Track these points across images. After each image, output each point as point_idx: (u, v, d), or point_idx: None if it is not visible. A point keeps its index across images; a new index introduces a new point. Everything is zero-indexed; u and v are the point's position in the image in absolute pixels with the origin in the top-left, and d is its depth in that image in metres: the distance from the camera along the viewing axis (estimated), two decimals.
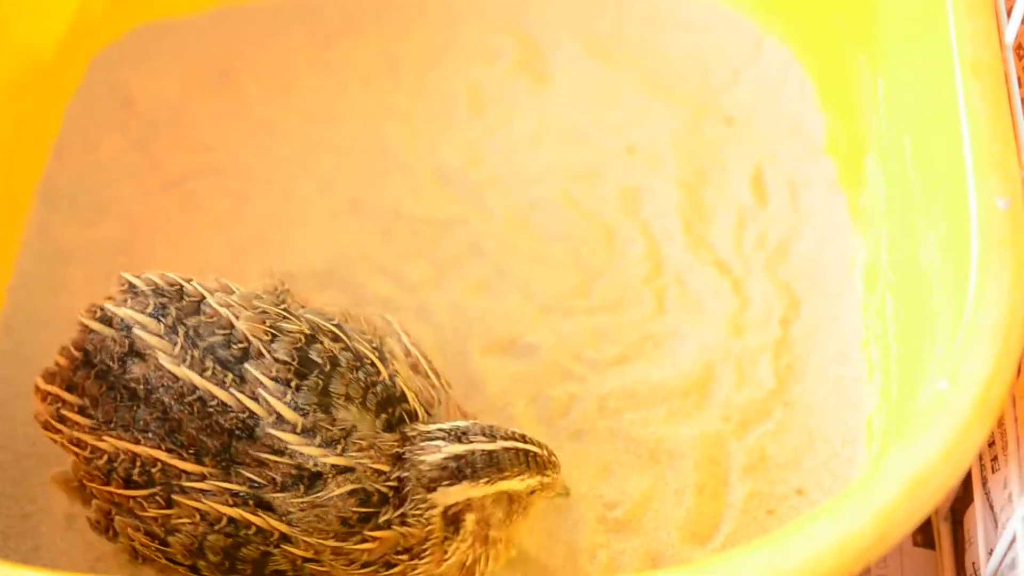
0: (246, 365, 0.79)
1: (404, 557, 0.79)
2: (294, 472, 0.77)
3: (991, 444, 0.86)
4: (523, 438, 0.81)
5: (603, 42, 1.20)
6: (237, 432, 0.78)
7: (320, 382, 0.79)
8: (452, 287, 1.04)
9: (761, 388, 0.99)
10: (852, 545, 0.64)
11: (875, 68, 1.02)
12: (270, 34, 1.20)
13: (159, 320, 0.82)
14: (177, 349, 0.80)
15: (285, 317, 0.82)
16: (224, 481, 0.78)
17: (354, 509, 0.78)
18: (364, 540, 0.78)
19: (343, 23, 1.21)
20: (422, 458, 0.79)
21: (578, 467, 0.94)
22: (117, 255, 1.06)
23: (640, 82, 1.17)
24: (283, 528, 0.77)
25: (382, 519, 0.78)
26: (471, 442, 0.79)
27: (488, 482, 0.79)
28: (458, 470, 0.78)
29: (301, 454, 0.77)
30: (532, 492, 0.82)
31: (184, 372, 0.79)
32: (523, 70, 1.18)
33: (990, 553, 0.83)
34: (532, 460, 0.80)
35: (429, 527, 0.79)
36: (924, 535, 0.94)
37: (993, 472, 0.85)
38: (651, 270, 1.05)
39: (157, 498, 0.79)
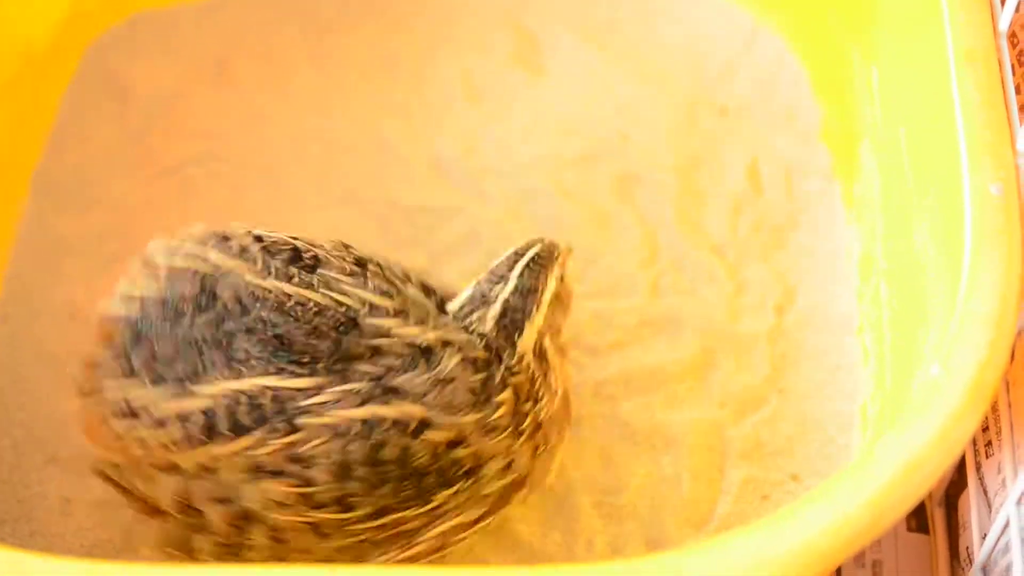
0: (319, 271, 0.80)
1: (528, 405, 0.82)
2: (407, 351, 0.78)
3: (985, 429, 0.87)
4: (519, 253, 0.86)
5: (598, 33, 1.20)
6: (342, 327, 0.78)
7: (379, 270, 0.82)
8: (448, 276, 1.04)
9: (756, 375, 0.99)
10: (845, 529, 0.65)
11: (869, 57, 1.03)
12: (266, 24, 1.20)
13: (225, 252, 0.81)
14: (259, 265, 0.80)
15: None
16: (343, 384, 0.76)
17: (474, 378, 0.80)
18: (495, 405, 0.80)
19: (339, 14, 1.21)
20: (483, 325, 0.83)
21: (575, 453, 0.94)
22: (112, 244, 1.06)
23: (635, 72, 1.17)
24: (420, 411, 0.77)
25: (496, 381, 0.81)
26: (497, 296, 0.84)
27: (538, 309, 0.84)
28: (511, 323, 0.83)
29: (401, 334, 0.79)
30: (562, 278, 0.87)
31: (273, 283, 0.79)
32: (519, 61, 1.18)
33: (984, 537, 0.83)
34: (542, 259, 0.86)
35: (530, 370, 0.83)
36: (918, 520, 0.95)
37: (987, 457, 0.86)
38: (646, 257, 1.05)
39: (277, 430, 0.75)
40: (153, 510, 0.80)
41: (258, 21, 1.20)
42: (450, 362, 0.79)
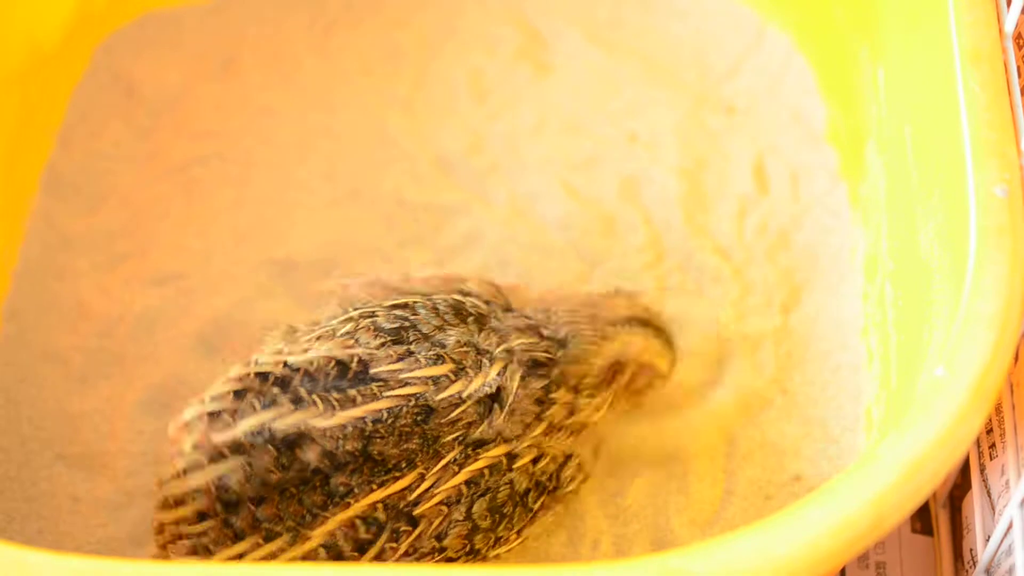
0: (371, 371, 0.80)
1: (585, 401, 0.87)
2: (480, 409, 0.81)
3: (989, 431, 0.87)
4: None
5: (604, 31, 1.20)
6: (419, 419, 0.80)
7: (420, 333, 0.83)
8: None
9: (761, 375, 0.99)
10: (848, 530, 0.65)
11: (876, 57, 1.03)
12: (272, 22, 1.21)
13: (272, 404, 0.79)
14: (320, 407, 0.79)
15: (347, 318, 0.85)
16: (437, 462, 0.80)
17: (536, 385, 0.83)
18: (552, 403, 0.84)
19: (345, 11, 1.21)
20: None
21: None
22: (120, 242, 1.06)
23: (641, 71, 1.17)
24: (502, 449, 0.82)
25: (555, 375, 0.85)
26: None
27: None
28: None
29: (471, 394, 0.81)
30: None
31: (343, 416, 0.78)
32: (525, 59, 1.18)
33: (987, 539, 0.83)
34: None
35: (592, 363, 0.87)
36: (922, 522, 0.95)
37: (991, 459, 0.86)
38: (652, 257, 1.05)
39: (397, 531, 0.79)
40: None
41: (264, 20, 1.21)
42: (513, 385, 0.82)
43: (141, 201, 1.09)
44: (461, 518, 0.81)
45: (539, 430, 0.84)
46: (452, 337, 0.83)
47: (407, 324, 0.83)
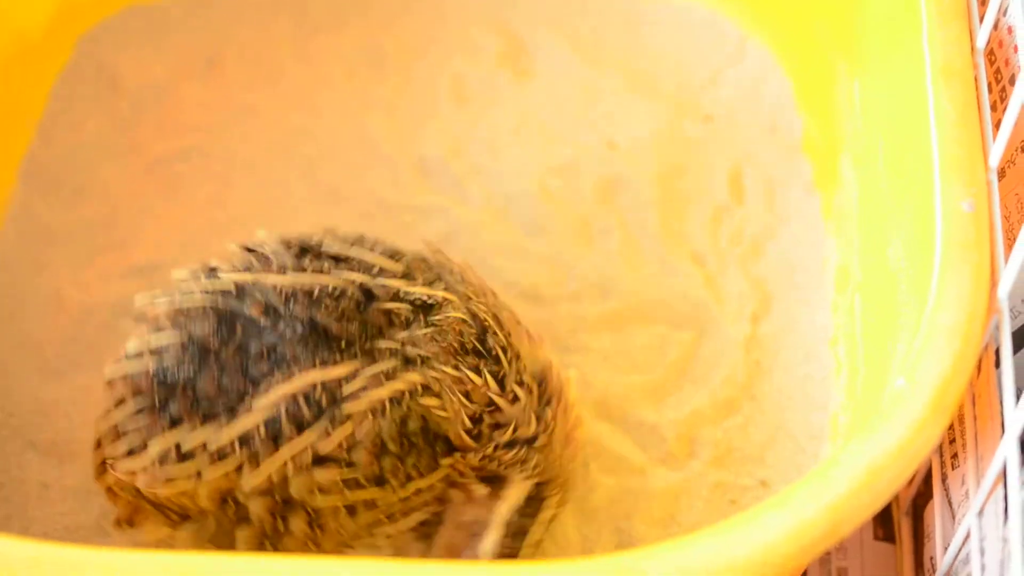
0: (323, 249, 0.83)
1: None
2: (414, 314, 0.82)
3: (952, 441, 0.87)
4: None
5: (585, 39, 1.21)
6: (362, 305, 0.81)
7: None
8: None
9: (730, 382, 1.00)
10: (804, 535, 0.66)
11: (853, 71, 1.04)
12: (256, 21, 1.21)
13: (231, 271, 0.82)
14: (274, 265, 0.82)
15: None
16: (373, 365, 0.79)
17: (469, 332, 0.83)
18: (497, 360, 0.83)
19: (328, 13, 1.22)
20: None
21: None
22: (98, 234, 1.07)
23: (621, 79, 1.18)
24: (420, 377, 0.80)
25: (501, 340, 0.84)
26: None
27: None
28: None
29: (410, 293, 0.82)
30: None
31: (294, 278, 0.81)
32: (506, 64, 1.19)
33: (947, 548, 0.84)
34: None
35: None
36: (885, 529, 0.96)
37: (953, 469, 0.87)
38: (627, 262, 1.06)
39: (335, 419, 0.78)
40: (183, 517, 0.82)
41: (248, 18, 1.21)
42: (451, 312, 0.82)
43: (121, 194, 1.10)
44: (376, 431, 0.79)
45: (450, 370, 0.82)
46: (411, 256, 0.86)
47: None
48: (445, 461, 0.83)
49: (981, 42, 0.86)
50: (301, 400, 0.78)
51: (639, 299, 1.04)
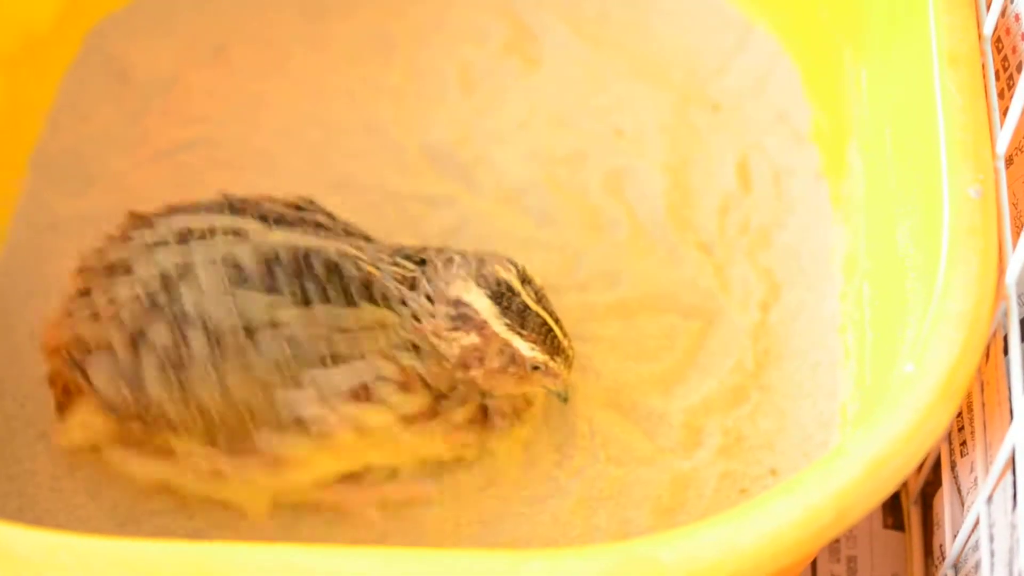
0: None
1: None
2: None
3: (960, 429, 0.88)
4: (556, 320, 0.87)
5: (593, 27, 1.21)
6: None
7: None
8: None
9: (739, 371, 1.00)
10: (811, 522, 0.66)
11: (860, 59, 1.04)
12: (264, 10, 1.21)
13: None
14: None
15: None
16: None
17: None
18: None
19: (336, 2, 1.22)
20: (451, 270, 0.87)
21: (556, 443, 0.96)
22: (108, 225, 1.07)
23: (629, 67, 1.18)
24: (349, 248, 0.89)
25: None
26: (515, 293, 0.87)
27: (508, 327, 0.85)
28: (497, 295, 0.86)
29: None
30: (535, 368, 0.87)
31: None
32: (513, 52, 1.19)
33: (956, 535, 0.84)
34: (551, 339, 0.86)
35: (434, 321, 0.86)
36: (895, 518, 0.96)
37: (962, 456, 0.87)
38: (635, 252, 1.06)
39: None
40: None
41: (256, 6, 1.21)
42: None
43: (130, 185, 1.10)
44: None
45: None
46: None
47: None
48: (365, 304, 0.85)
49: (988, 29, 0.86)
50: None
51: (648, 288, 1.04)
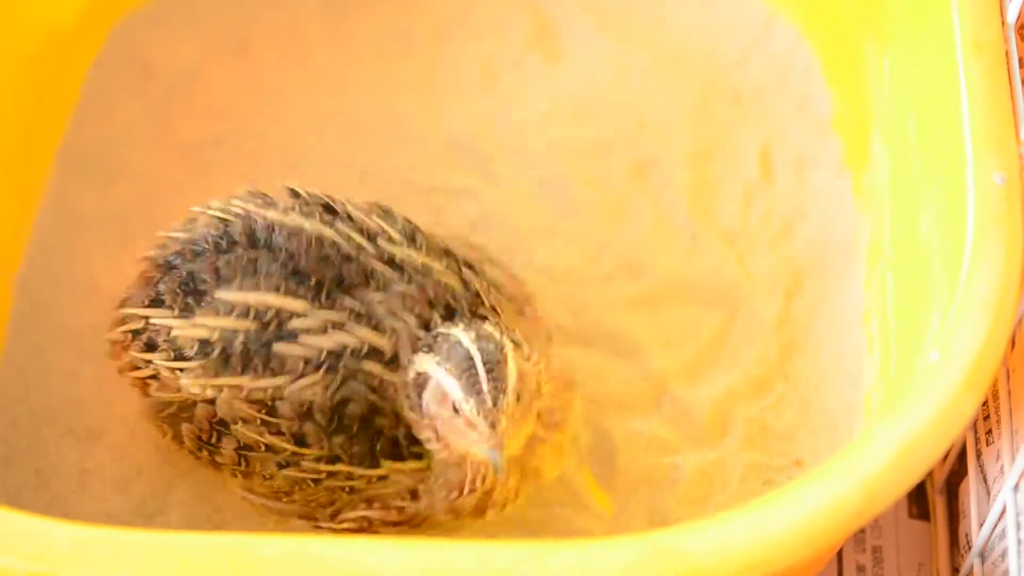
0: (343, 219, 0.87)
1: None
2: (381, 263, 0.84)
3: (986, 417, 0.88)
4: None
5: (615, 18, 1.21)
6: (351, 257, 0.84)
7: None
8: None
9: (763, 361, 1.00)
10: (839, 512, 0.66)
11: (882, 47, 1.03)
12: (286, 5, 1.21)
13: (253, 202, 0.89)
14: (280, 207, 0.87)
15: None
16: (328, 310, 0.82)
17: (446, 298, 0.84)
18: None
19: None
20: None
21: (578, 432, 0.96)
22: (133, 219, 1.08)
23: (650, 59, 1.18)
24: (373, 336, 0.82)
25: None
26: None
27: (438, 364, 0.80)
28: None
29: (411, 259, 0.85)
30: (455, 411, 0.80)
31: (294, 219, 0.86)
32: (535, 44, 1.19)
33: (982, 524, 0.84)
34: (472, 376, 0.78)
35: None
36: (920, 507, 0.96)
37: (987, 445, 0.87)
38: (659, 242, 1.06)
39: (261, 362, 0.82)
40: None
41: (278, 1, 1.21)
42: (436, 264, 0.85)
43: (154, 179, 1.10)
44: (307, 398, 0.82)
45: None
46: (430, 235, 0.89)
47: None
48: (386, 464, 0.83)
49: (1012, 16, 0.86)
50: (252, 315, 0.82)
51: (671, 278, 1.05)
